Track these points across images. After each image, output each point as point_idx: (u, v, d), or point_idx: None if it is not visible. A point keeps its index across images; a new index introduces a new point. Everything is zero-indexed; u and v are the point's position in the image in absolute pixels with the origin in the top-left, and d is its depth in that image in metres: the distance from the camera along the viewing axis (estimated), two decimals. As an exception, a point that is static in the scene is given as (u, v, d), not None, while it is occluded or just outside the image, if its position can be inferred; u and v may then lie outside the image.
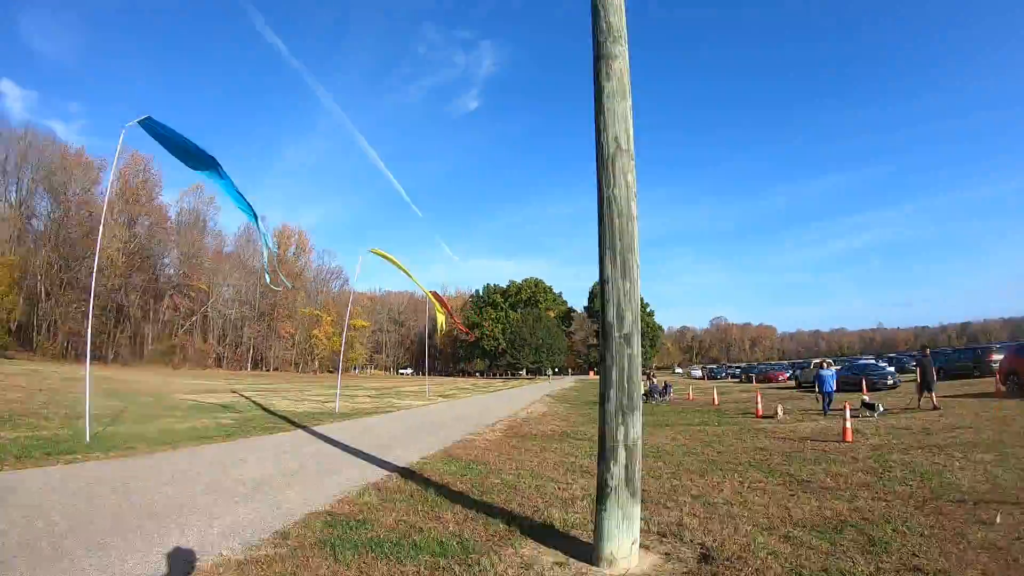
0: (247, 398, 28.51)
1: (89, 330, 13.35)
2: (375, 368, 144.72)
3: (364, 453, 11.36)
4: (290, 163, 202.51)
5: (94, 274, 16.52)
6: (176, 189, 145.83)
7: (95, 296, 71.70)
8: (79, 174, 76.21)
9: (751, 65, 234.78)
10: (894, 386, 30.23)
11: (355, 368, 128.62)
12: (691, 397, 33.00)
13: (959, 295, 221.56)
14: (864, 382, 29.67)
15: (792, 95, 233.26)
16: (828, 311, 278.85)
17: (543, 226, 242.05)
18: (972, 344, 78.80)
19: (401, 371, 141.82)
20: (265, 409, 22.49)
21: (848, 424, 12.97)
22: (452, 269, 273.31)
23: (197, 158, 12.59)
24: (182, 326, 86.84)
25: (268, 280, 25.05)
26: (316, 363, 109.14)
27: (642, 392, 20.03)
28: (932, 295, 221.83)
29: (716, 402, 27.41)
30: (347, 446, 12.41)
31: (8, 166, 71.02)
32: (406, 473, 9.04)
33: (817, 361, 40.17)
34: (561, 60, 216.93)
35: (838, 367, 35.95)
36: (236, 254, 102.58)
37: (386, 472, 9.16)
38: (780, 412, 19.05)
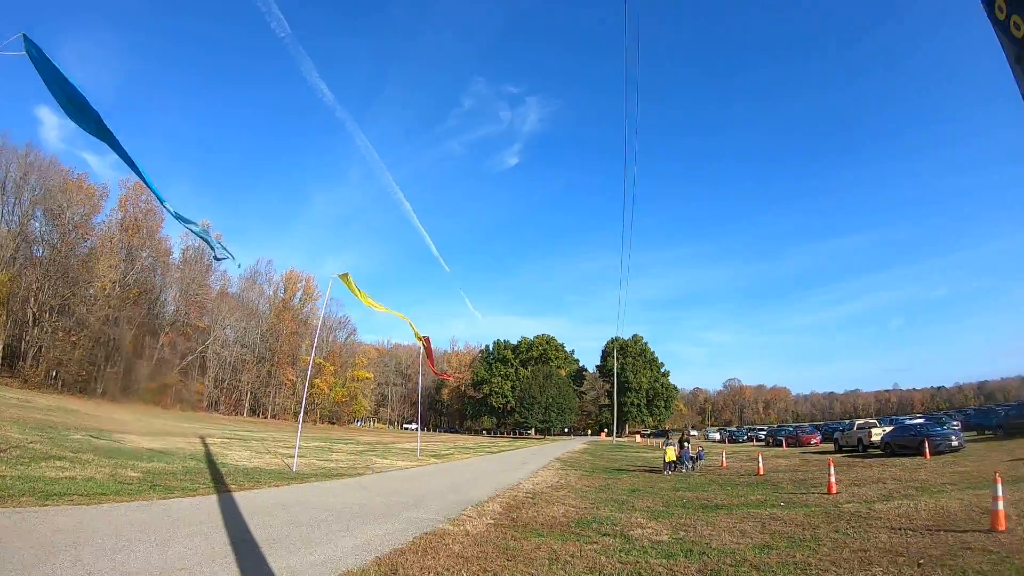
0: (205, 445, 24.60)
1: None
2: (379, 422, 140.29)
3: (251, 550, 6.94)
4: (318, 213, 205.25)
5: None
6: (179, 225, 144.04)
7: (86, 327, 69.59)
8: (80, 199, 73.60)
9: (770, 121, 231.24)
10: (959, 447, 25.39)
11: (358, 421, 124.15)
12: (724, 464, 28.19)
13: (972, 354, 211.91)
14: (927, 444, 25.01)
15: (809, 152, 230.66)
16: (841, 372, 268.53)
17: (565, 282, 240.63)
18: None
19: (405, 426, 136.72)
20: (210, 460, 18.54)
21: (1000, 505, 8.80)
22: (471, 325, 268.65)
23: (79, 106, 8.61)
24: (177, 365, 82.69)
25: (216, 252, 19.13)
26: (317, 413, 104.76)
27: (670, 459, 15.53)
28: (945, 354, 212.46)
29: (761, 470, 22.41)
30: (248, 534, 7.96)
31: (8, 184, 68.27)
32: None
33: (861, 422, 35.51)
34: (601, 115, 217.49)
35: (887, 427, 31.55)
36: (239, 295, 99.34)
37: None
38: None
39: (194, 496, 10.90)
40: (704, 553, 8.27)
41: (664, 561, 7.73)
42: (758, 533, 9.89)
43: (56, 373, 67.54)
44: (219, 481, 13.48)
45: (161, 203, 10.61)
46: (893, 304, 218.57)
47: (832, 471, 15.99)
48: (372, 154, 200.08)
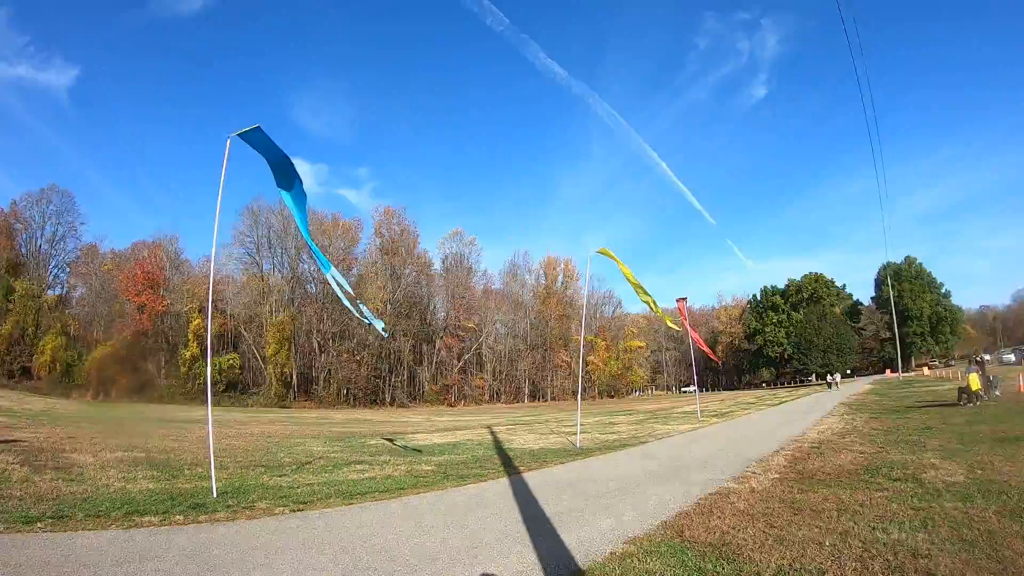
0: (492, 433, 26.12)
1: (208, 368, 11.13)
2: (657, 389, 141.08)
3: (542, 525, 7.65)
4: (568, 195, 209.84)
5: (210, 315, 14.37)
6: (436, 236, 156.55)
7: (366, 346, 78.45)
8: (339, 234, 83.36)
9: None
10: None
11: (636, 391, 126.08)
12: (1022, 389, 25.25)
13: None
14: None
15: None
16: None
17: (831, 213, 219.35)
18: None
19: (683, 389, 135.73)
20: (498, 447, 19.69)
21: None
22: (741, 274, 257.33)
23: (288, 177, 11.12)
24: (456, 366, 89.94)
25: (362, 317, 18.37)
26: (595, 389, 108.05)
27: (976, 388, 14.24)
28: None
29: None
30: (539, 509, 8.73)
31: (272, 238, 78.92)
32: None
33: None
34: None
35: None
36: (503, 290, 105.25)
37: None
38: None
39: (484, 481, 11.68)
40: (1003, 492, 7.83)
41: (959, 504, 7.42)
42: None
43: (347, 391, 76.85)
44: (507, 465, 14.29)
45: (325, 271, 12.52)
46: None
47: None
48: (617, 120, 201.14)
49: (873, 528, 6.57)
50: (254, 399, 70.84)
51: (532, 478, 12.12)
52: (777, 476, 10.59)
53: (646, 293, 21.06)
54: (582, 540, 6.76)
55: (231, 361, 73.30)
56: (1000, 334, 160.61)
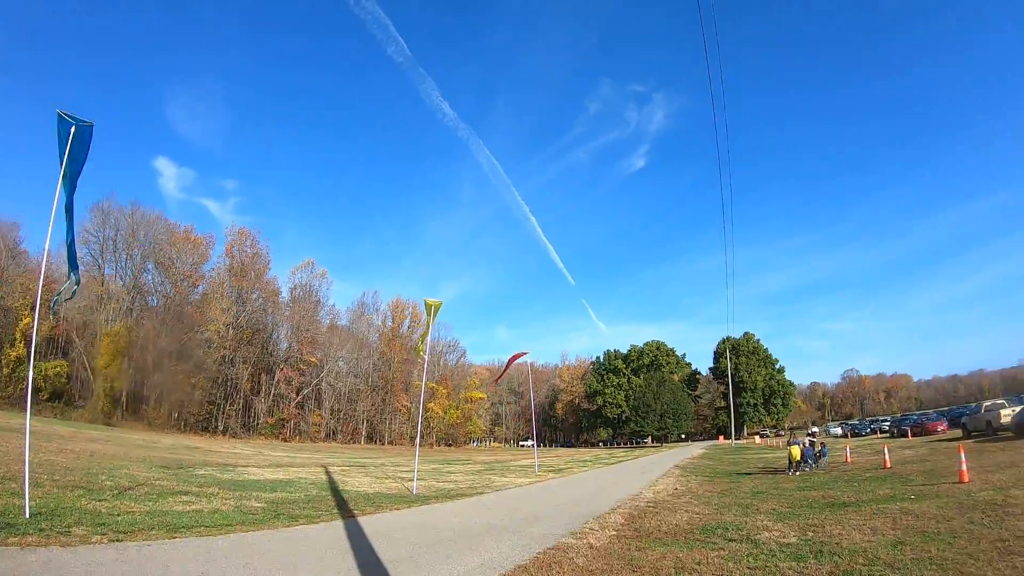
0: (327, 473, 25.46)
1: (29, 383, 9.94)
2: (495, 441, 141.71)
3: (378, 570, 7.29)
4: (432, 240, 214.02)
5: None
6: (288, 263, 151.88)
7: (203, 369, 73.89)
8: (188, 249, 78.92)
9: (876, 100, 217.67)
10: None
11: (474, 441, 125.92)
12: (849, 460, 26.95)
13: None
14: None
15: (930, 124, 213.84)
16: (964, 352, 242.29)
17: (682, 285, 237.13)
18: None
19: (521, 443, 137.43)
20: (332, 488, 19.10)
21: None
22: (593, 336, 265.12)
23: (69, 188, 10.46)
24: (294, 399, 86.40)
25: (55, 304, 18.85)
26: (433, 436, 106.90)
27: (796, 459, 14.90)
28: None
29: (888, 463, 21.36)
30: (375, 555, 8.24)
31: (119, 241, 73.60)
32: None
33: (989, 403, 32.97)
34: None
35: (1017, 407, 29.27)
36: (349, 328, 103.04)
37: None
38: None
39: (317, 523, 11.18)
40: (835, 553, 7.98)
41: (794, 564, 7.49)
42: (889, 529, 9.55)
43: (178, 414, 72.20)
44: (342, 507, 13.84)
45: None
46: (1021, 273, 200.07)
47: (963, 458, 15.05)
48: (496, 170, 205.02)
49: (712, 588, 6.38)
50: (78, 412, 63.76)
51: (367, 523, 11.61)
52: (615, 533, 10.45)
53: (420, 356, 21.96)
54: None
55: (58, 368, 65.72)
56: (828, 409, 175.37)
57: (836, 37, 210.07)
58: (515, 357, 33.29)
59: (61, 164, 9.88)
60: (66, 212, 10.57)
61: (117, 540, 8.03)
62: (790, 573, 7.03)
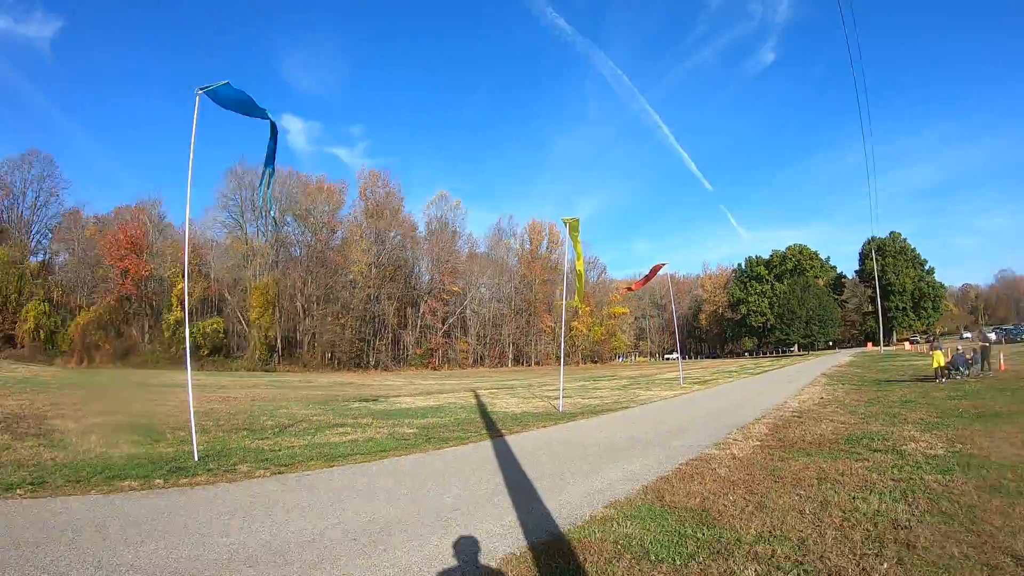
0: (476, 397, 26.40)
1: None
2: (640, 355, 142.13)
3: (522, 488, 7.73)
4: (560, 158, 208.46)
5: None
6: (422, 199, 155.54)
7: (351, 309, 78.32)
8: (323, 199, 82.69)
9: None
10: None
11: (620, 357, 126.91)
12: (1004, 367, 25.52)
13: None
14: None
15: None
16: None
17: (820, 184, 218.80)
18: None
19: (667, 356, 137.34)
20: (481, 410, 19.89)
21: None
22: (734, 243, 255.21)
23: (258, 111, 10.74)
24: (440, 329, 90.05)
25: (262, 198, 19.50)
26: (579, 354, 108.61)
27: (939, 364, 14.46)
28: None
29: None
30: (522, 471, 8.81)
31: (257, 202, 78.20)
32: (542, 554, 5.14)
33: None
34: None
35: None
36: (487, 254, 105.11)
37: (500, 553, 5.24)
38: None
39: (465, 444, 11.78)
40: (982, 467, 7.87)
41: (939, 477, 7.47)
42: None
43: (331, 354, 76.78)
44: (490, 428, 14.41)
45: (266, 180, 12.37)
46: None
47: None
48: (620, 80, 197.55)
49: (853, 498, 6.63)
50: (238, 363, 70.50)
51: (514, 441, 12.24)
52: (758, 443, 10.68)
53: (581, 284, 21.48)
54: (562, 503, 6.83)
55: (215, 325, 72.76)
56: (982, 312, 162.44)
57: None
58: (655, 269, 33.11)
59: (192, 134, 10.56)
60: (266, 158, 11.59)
61: (279, 473, 8.82)
62: (935, 486, 7.02)
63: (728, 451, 9.98)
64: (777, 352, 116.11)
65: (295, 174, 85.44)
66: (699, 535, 5.43)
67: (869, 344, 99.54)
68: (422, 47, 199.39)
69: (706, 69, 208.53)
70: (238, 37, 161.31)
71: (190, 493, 7.59)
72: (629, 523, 5.84)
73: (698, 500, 6.69)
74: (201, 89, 10.31)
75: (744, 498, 6.73)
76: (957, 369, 22.86)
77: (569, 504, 6.78)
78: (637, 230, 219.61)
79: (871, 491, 6.91)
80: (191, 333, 11.28)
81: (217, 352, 72.63)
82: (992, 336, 72.21)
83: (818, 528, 5.57)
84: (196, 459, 9.57)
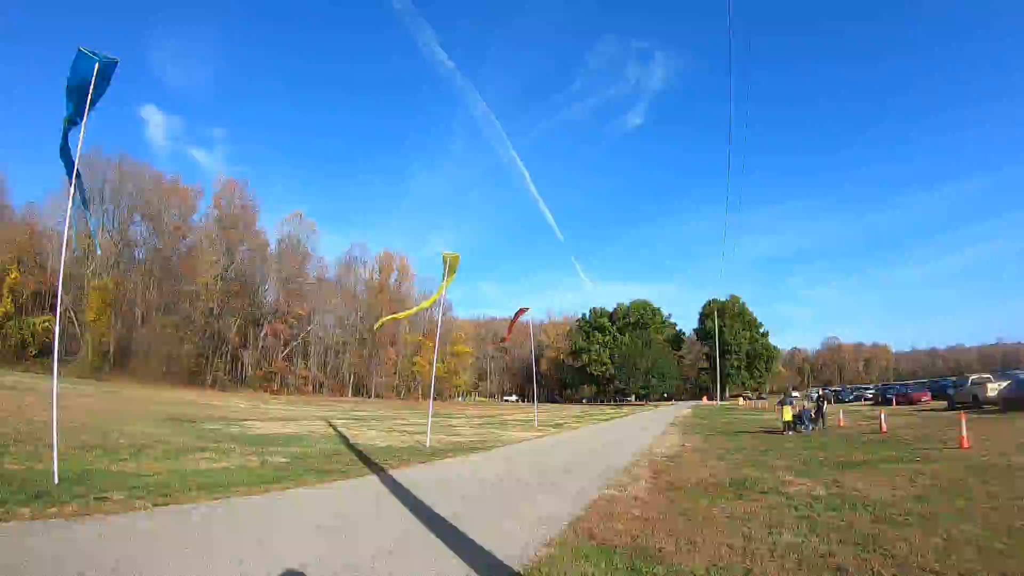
0: (332, 427, 25.79)
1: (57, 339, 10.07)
2: (479, 396, 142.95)
3: (454, 526, 7.39)
4: (420, 192, 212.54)
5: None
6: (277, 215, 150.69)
7: (192, 322, 73.72)
8: (176, 201, 78.07)
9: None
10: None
11: (459, 396, 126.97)
12: (842, 423, 27.73)
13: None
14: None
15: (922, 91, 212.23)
16: (943, 328, 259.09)
17: (671, 246, 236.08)
18: None
19: (505, 398, 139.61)
20: (345, 441, 19.35)
21: None
22: (581, 294, 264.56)
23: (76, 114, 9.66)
24: (281, 352, 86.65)
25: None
26: (419, 390, 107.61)
27: (788, 419, 15.56)
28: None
29: (884, 428, 21.98)
30: (431, 510, 8.41)
31: (106, 192, 72.51)
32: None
33: (976, 377, 34.42)
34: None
35: (1003, 382, 30.64)
36: (337, 280, 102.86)
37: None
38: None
39: (351, 478, 11.31)
40: (868, 505, 8.51)
41: (834, 513, 8.03)
42: (909, 486, 10.09)
43: (167, 368, 71.66)
44: (366, 462, 13.95)
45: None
46: (1007, 252, 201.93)
47: (964, 425, 15.74)
48: (491, 123, 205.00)
49: (770, 532, 6.95)
50: (67, 368, 63.70)
51: (401, 477, 11.82)
52: (650, 485, 10.98)
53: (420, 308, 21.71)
54: (502, 543, 6.53)
55: (47, 323, 65.24)
56: (808, 374, 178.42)
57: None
58: (519, 313, 33.96)
59: (82, 103, 9.37)
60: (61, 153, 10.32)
61: (162, 504, 7.87)
62: (835, 521, 7.52)
63: (626, 492, 10.16)
64: (615, 401, 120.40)
65: (150, 169, 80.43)
66: (656, 571, 5.44)
67: (704, 398, 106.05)
68: (298, 61, 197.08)
69: (576, 124, 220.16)
70: (106, 5, 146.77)
71: (68, 528, 6.46)
72: (582, 561, 5.73)
73: (629, 539, 6.69)
74: (86, 49, 9.24)
75: (670, 536, 6.82)
76: (802, 423, 24.63)
77: (510, 543, 6.53)
78: (486, 272, 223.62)
79: (782, 527, 7.26)
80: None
81: (46, 354, 65.46)
82: (829, 393, 79.05)
83: (755, 559, 5.78)
84: (56, 481, 8.48)
